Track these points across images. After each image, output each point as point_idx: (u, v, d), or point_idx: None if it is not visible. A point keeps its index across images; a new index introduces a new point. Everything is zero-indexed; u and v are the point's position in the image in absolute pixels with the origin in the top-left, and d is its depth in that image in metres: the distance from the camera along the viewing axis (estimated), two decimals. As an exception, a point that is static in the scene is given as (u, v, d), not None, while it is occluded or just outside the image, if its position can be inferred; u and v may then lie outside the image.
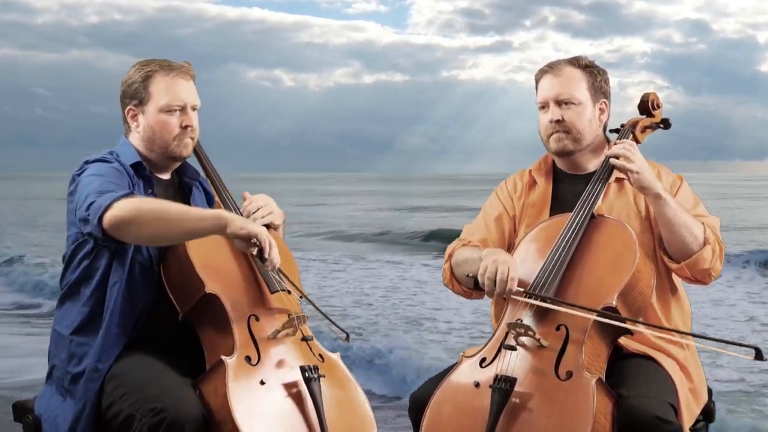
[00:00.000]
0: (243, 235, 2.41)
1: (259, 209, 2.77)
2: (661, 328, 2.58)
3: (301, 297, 2.68)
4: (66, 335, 2.61)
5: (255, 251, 2.44)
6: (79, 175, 2.59)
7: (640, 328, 2.51)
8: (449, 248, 2.85)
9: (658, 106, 2.84)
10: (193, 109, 2.69)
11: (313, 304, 2.65)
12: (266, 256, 2.44)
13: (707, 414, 2.72)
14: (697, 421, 2.65)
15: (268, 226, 2.76)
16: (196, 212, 2.48)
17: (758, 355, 2.18)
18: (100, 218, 2.39)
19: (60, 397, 2.60)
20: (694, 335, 2.52)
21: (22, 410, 2.75)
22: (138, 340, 2.59)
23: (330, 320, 2.66)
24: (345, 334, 2.66)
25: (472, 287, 2.60)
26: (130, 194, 2.45)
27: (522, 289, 2.49)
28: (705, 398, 2.68)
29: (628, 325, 2.45)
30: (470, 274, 2.56)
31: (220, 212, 2.46)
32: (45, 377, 2.71)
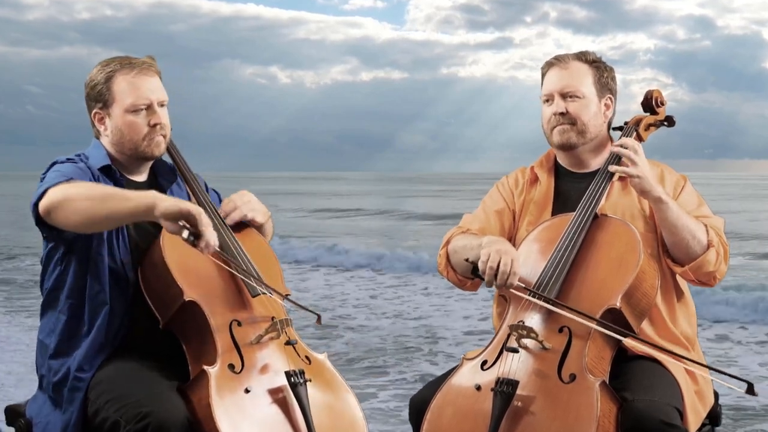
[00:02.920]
0: (174, 213, 2.24)
1: (236, 208, 2.70)
2: (658, 347, 2.47)
3: (264, 286, 2.55)
4: (48, 344, 2.58)
5: (186, 234, 2.25)
6: (44, 175, 2.52)
7: (638, 344, 2.46)
8: (447, 235, 2.80)
9: (662, 104, 2.81)
10: (161, 105, 2.61)
11: (277, 292, 2.54)
12: (200, 232, 2.26)
13: (713, 417, 2.68)
14: (703, 424, 2.62)
15: (246, 225, 2.71)
16: (123, 193, 2.36)
17: (750, 390, 2.15)
18: (35, 206, 2.37)
19: (51, 405, 2.56)
20: (687, 359, 2.47)
21: (14, 414, 2.71)
22: (121, 346, 2.54)
23: (298, 304, 2.53)
24: (316, 316, 2.55)
25: (470, 274, 2.54)
26: (67, 180, 2.40)
27: (523, 285, 2.45)
28: (711, 401, 2.64)
29: (628, 339, 2.41)
30: (469, 259, 2.51)
31: (149, 192, 2.34)
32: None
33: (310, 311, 2.51)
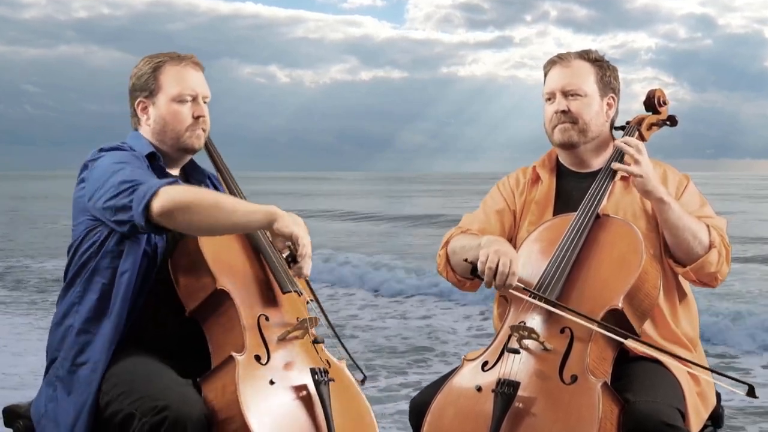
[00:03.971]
0: (286, 233, 2.41)
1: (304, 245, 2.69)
2: (659, 349, 2.49)
3: (328, 326, 2.65)
4: (70, 325, 2.54)
5: (287, 254, 2.45)
6: (93, 161, 2.53)
7: (639, 346, 2.45)
8: (446, 235, 2.80)
9: (665, 103, 2.80)
10: (205, 100, 2.65)
11: (336, 335, 2.61)
12: (299, 259, 2.45)
13: (715, 419, 2.66)
14: (705, 426, 2.61)
15: None
16: (247, 205, 2.45)
17: (750, 392, 2.19)
18: (147, 204, 2.32)
19: (61, 393, 2.51)
20: (688, 362, 2.48)
21: (13, 415, 2.68)
22: (135, 338, 2.52)
23: (350, 356, 2.61)
24: (363, 376, 2.61)
25: (470, 274, 2.53)
26: (175, 182, 2.41)
27: (522, 285, 2.44)
28: (713, 402, 2.63)
29: (630, 342, 2.40)
30: (468, 259, 2.50)
31: (271, 208, 2.43)
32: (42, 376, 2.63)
33: (359, 369, 2.61)
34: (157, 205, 2.32)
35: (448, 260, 2.74)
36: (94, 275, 2.53)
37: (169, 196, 2.33)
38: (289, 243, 2.45)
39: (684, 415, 2.40)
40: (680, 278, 2.66)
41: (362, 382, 2.62)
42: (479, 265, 2.43)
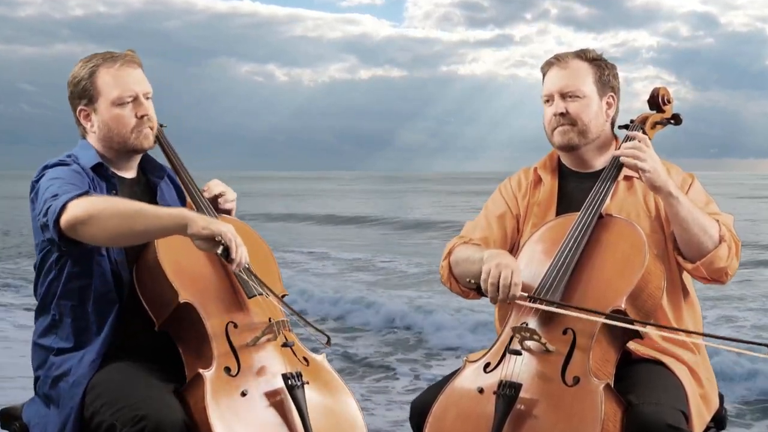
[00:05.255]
0: (206, 235, 2.27)
1: (223, 193, 2.72)
2: (670, 328, 2.49)
3: (278, 299, 2.54)
4: (45, 346, 2.56)
5: (220, 250, 2.29)
6: (37, 181, 2.50)
7: (649, 329, 2.44)
8: (448, 245, 2.78)
9: (669, 101, 2.77)
10: (146, 97, 2.58)
11: (288, 307, 2.52)
12: (233, 255, 2.30)
13: (718, 421, 2.65)
14: (708, 428, 2.59)
15: (228, 212, 2.74)
16: (153, 210, 2.35)
17: None
18: (57, 221, 2.30)
19: (47, 407, 2.54)
20: (705, 335, 2.47)
21: (9, 417, 2.69)
22: (118, 349, 2.51)
23: (308, 323, 2.49)
24: (326, 338, 2.51)
25: (476, 293, 2.53)
26: (85, 193, 2.35)
27: (526, 294, 2.42)
28: (716, 404, 2.61)
29: (637, 327, 2.38)
30: (472, 280, 2.50)
31: (181, 211, 2.34)
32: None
33: (320, 331, 2.48)
34: (63, 220, 2.29)
35: (451, 271, 2.73)
36: (62, 299, 2.52)
37: (71, 211, 2.28)
38: (218, 237, 2.27)
39: (687, 417, 2.38)
40: (684, 278, 2.64)
41: (327, 342, 2.50)
42: (482, 283, 2.43)
